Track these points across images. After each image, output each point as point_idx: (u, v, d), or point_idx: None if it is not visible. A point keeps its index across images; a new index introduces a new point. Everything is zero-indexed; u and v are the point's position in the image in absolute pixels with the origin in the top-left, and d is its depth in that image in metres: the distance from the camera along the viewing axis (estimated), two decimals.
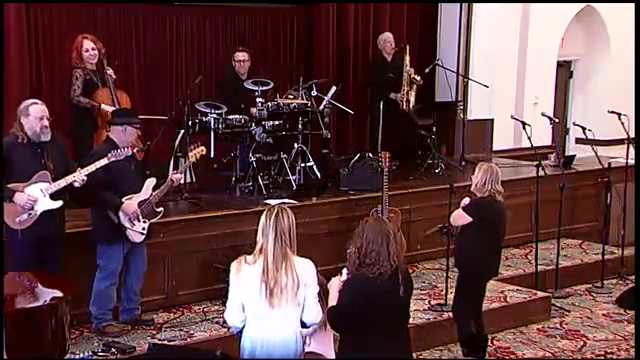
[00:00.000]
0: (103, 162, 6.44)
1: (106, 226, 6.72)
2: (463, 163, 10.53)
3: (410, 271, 6.01)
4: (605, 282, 9.26)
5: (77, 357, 6.11)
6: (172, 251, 7.62)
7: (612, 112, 9.56)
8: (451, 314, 7.18)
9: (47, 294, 5.70)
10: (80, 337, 6.80)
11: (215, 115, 8.68)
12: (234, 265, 5.00)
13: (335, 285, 5.00)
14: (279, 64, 10.58)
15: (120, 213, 6.69)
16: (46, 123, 6.40)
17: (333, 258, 7.44)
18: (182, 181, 7.60)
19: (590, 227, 10.44)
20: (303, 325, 5.03)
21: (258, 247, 4.97)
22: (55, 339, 5.37)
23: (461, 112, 11.18)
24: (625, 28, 12.69)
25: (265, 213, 5.01)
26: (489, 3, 11.58)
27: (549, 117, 9.79)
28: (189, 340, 6.88)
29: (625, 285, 9.20)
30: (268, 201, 8.06)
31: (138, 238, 6.83)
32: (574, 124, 11.31)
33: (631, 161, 9.84)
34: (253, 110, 8.92)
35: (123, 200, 6.69)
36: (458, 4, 11.54)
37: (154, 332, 7.02)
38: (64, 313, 5.45)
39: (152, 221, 6.94)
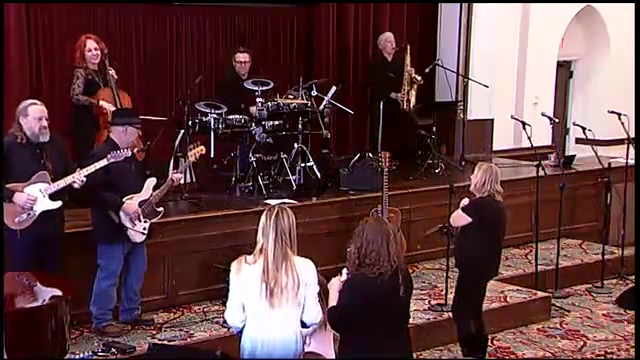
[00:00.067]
0: (102, 163, 6.43)
1: (107, 226, 6.72)
2: (463, 163, 10.53)
3: (410, 271, 6.01)
4: (605, 282, 9.26)
5: (77, 357, 6.10)
6: (172, 251, 7.62)
7: (612, 112, 9.56)
8: (451, 314, 7.18)
9: (46, 293, 5.70)
10: (80, 337, 6.80)
11: (215, 115, 8.68)
12: (234, 265, 5.00)
13: (335, 285, 5.00)
14: (279, 64, 10.58)
15: (121, 213, 6.69)
16: (45, 124, 6.40)
17: (333, 258, 7.44)
18: (182, 181, 7.61)
19: (590, 227, 10.44)
20: (303, 325, 5.03)
21: (258, 247, 4.97)
22: (55, 339, 5.36)
23: (461, 112, 11.18)
24: (625, 28, 12.69)
25: (265, 213, 5.01)
26: (489, 3, 11.58)
27: (549, 117, 9.79)
28: (189, 340, 6.88)
29: (625, 285, 9.20)
30: (268, 201, 8.06)
31: (139, 238, 6.83)
32: (574, 124, 11.32)
33: (631, 161, 9.84)
34: (253, 109, 8.93)
35: (124, 200, 6.69)
36: (458, 4, 11.54)
37: (154, 332, 7.02)
38: (64, 313, 5.45)
39: (152, 221, 6.94)
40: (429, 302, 7.96)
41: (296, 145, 9.23)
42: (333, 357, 5.28)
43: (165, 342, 6.76)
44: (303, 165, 9.23)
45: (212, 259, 7.67)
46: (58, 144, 6.62)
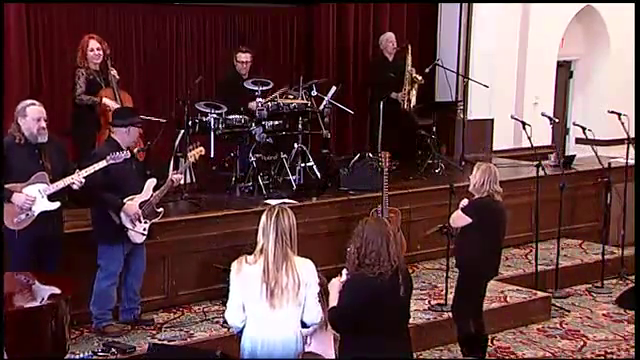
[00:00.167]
0: (101, 165, 6.42)
1: (107, 226, 6.71)
2: (463, 163, 10.53)
3: (410, 271, 6.01)
4: (605, 282, 9.26)
5: (77, 357, 6.10)
6: (172, 251, 7.62)
7: (612, 112, 9.56)
8: (451, 314, 7.18)
9: (45, 292, 5.71)
10: (80, 337, 6.80)
11: (215, 115, 8.68)
12: (235, 265, 5.00)
13: (335, 286, 5.00)
14: (279, 64, 10.58)
15: (121, 214, 6.69)
16: (43, 124, 6.38)
17: (333, 258, 7.43)
18: (182, 181, 7.61)
19: (590, 227, 10.44)
20: (303, 325, 5.03)
21: (259, 247, 4.97)
22: (55, 339, 5.36)
23: (461, 112, 11.19)
24: (625, 28, 12.69)
25: (266, 213, 5.01)
26: (489, 3, 11.58)
27: (549, 117, 9.79)
28: (189, 340, 6.88)
29: (625, 285, 9.20)
30: (268, 201, 8.05)
31: (139, 239, 6.83)
32: (574, 124, 11.31)
33: (631, 161, 9.84)
34: (252, 104, 8.91)
35: (124, 201, 6.69)
36: (458, 4, 11.54)
37: (154, 332, 7.02)
38: (64, 313, 5.45)
39: (152, 222, 6.93)
40: (429, 302, 7.96)
41: (296, 145, 9.23)
42: (333, 357, 5.29)
43: (165, 342, 6.75)
44: (303, 165, 9.23)
45: (212, 259, 7.67)
46: (57, 145, 6.61)
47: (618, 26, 12.90)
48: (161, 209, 7.00)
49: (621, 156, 10.24)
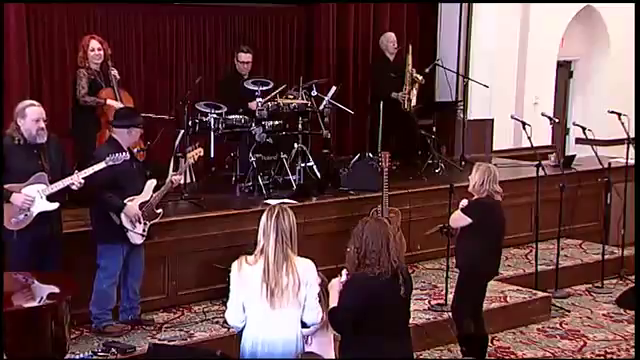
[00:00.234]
0: (100, 166, 6.41)
1: (106, 226, 6.71)
2: (463, 163, 10.53)
3: (410, 271, 6.01)
4: (605, 282, 9.26)
5: (77, 357, 6.11)
6: (172, 251, 7.62)
7: (612, 112, 9.56)
8: (451, 314, 7.18)
9: (44, 290, 5.72)
10: (80, 337, 6.79)
11: (215, 115, 8.68)
12: (235, 265, 4.99)
13: (335, 286, 5.00)
14: (279, 64, 10.58)
15: (122, 215, 6.69)
16: (42, 125, 6.36)
17: (333, 258, 7.41)
18: (182, 181, 7.60)
19: (590, 227, 10.43)
20: (304, 325, 5.03)
21: (259, 247, 4.96)
22: (55, 339, 5.36)
23: (461, 112, 11.19)
24: (625, 28, 12.70)
25: (266, 213, 5.00)
26: (489, 3, 11.58)
27: (549, 117, 9.79)
28: (189, 340, 6.88)
29: (625, 285, 9.20)
30: (268, 201, 8.05)
31: (139, 240, 6.83)
32: (574, 124, 11.31)
33: (631, 161, 9.85)
34: (252, 104, 8.91)
35: (125, 202, 6.69)
36: (458, 4, 11.54)
37: (154, 332, 7.02)
38: (64, 313, 5.45)
39: (152, 222, 6.93)
40: (429, 302, 7.95)
41: (296, 145, 9.22)
42: (333, 357, 5.29)
43: (165, 342, 6.75)
44: (303, 165, 9.23)
45: (212, 259, 7.67)
46: (56, 145, 6.58)
47: (618, 26, 12.90)
48: (160, 210, 6.99)
49: (621, 156, 10.24)
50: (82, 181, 6.37)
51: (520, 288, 8.47)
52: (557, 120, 10.34)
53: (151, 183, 6.91)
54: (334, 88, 9.73)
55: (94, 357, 6.41)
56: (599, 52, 13.18)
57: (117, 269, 6.82)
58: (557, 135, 12.71)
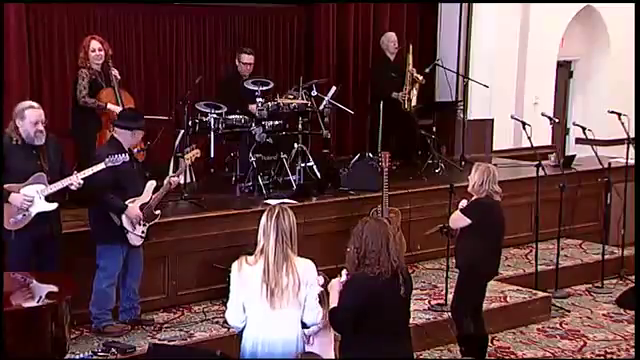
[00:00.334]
0: (100, 167, 6.41)
1: (106, 227, 6.71)
2: (463, 163, 10.53)
3: (410, 271, 6.01)
4: (605, 282, 9.26)
5: (77, 357, 6.11)
6: (172, 251, 7.62)
7: (612, 112, 9.56)
8: (450, 314, 7.18)
9: (42, 290, 5.72)
10: (80, 337, 6.79)
11: (215, 115, 8.68)
12: (235, 265, 5.00)
13: (335, 286, 5.00)
14: (279, 64, 10.58)
15: (123, 216, 6.69)
16: (41, 127, 6.35)
17: (333, 258, 7.42)
18: (182, 181, 7.60)
19: (590, 227, 10.44)
20: (304, 325, 5.03)
21: (259, 248, 4.97)
22: (55, 339, 5.36)
23: (461, 112, 11.20)
24: (625, 28, 12.70)
25: (266, 213, 5.00)
26: (489, 3, 11.58)
27: (549, 117, 9.79)
28: (189, 340, 6.88)
29: (625, 285, 9.20)
30: (268, 201, 8.05)
31: (138, 241, 6.83)
32: (574, 124, 11.31)
33: (631, 161, 9.85)
34: (252, 107, 8.91)
35: (127, 204, 6.68)
36: (458, 4, 11.54)
37: (154, 332, 7.02)
38: (64, 313, 5.45)
39: (151, 223, 6.93)
40: (429, 302, 7.95)
41: (296, 145, 9.22)
42: (333, 357, 5.29)
43: (165, 342, 6.75)
44: (303, 165, 9.22)
45: (212, 259, 7.67)
46: (55, 145, 6.57)
47: (618, 26, 12.90)
48: (158, 211, 6.98)
49: (621, 156, 10.24)
50: (81, 182, 6.36)
51: (520, 288, 8.46)
52: (557, 120, 10.34)
53: (151, 184, 6.90)
54: (334, 88, 9.73)
55: (94, 357, 6.41)
56: (599, 52, 13.18)
57: (116, 269, 6.82)
58: (557, 135, 12.71)
